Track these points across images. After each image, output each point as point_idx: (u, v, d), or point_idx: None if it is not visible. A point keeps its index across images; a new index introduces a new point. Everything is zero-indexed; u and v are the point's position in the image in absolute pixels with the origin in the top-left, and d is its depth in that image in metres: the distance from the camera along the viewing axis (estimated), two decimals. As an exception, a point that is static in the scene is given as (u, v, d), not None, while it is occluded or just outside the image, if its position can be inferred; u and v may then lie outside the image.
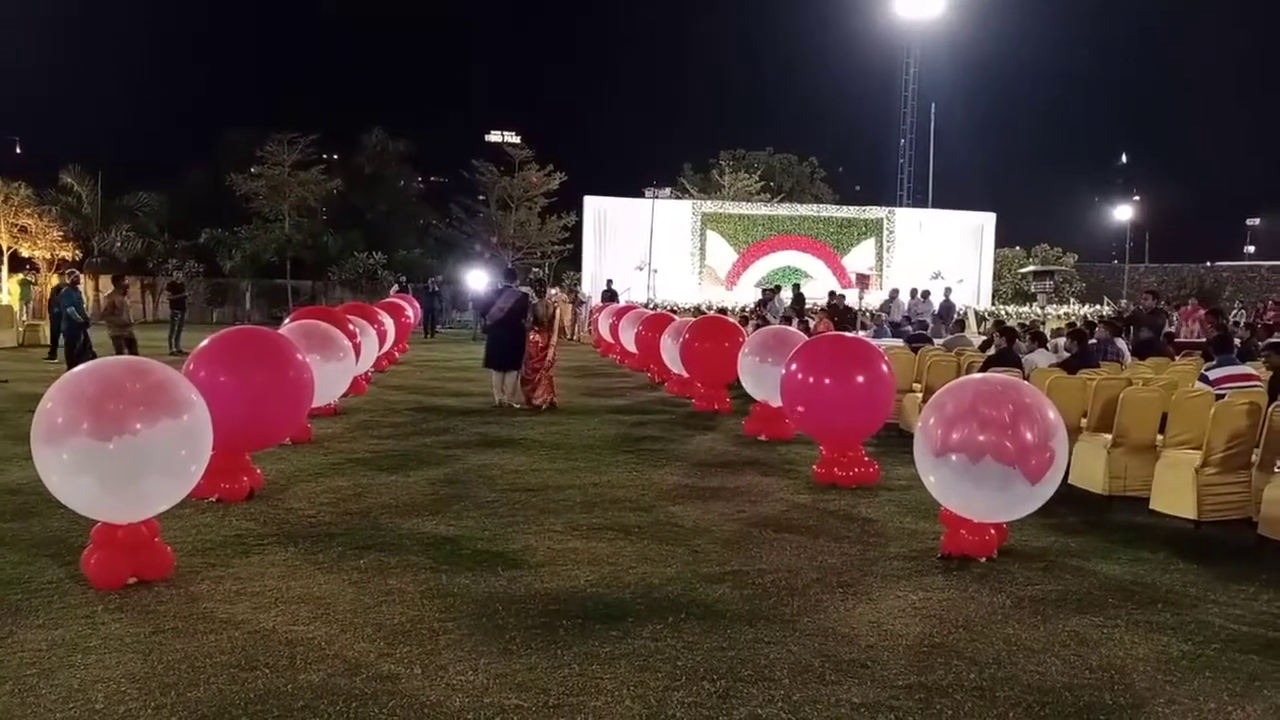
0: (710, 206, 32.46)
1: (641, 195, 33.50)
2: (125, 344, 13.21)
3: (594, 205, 31.01)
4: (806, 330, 15.79)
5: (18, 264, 29.51)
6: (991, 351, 10.14)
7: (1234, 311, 25.00)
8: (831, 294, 21.57)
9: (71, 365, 14.09)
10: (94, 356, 14.16)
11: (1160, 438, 7.31)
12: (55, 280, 17.92)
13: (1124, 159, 67.41)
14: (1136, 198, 50.69)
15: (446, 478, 7.69)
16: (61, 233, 29.98)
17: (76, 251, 30.59)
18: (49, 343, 16.79)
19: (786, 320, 16.04)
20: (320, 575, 5.14)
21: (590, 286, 29.04)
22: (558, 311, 12.67)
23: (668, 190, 40.00)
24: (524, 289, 12.08)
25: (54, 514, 6.02)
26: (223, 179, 33.96)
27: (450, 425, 10.42)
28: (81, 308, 14.61)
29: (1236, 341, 10.82)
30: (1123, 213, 47.24)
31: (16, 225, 28.80)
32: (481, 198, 38.62)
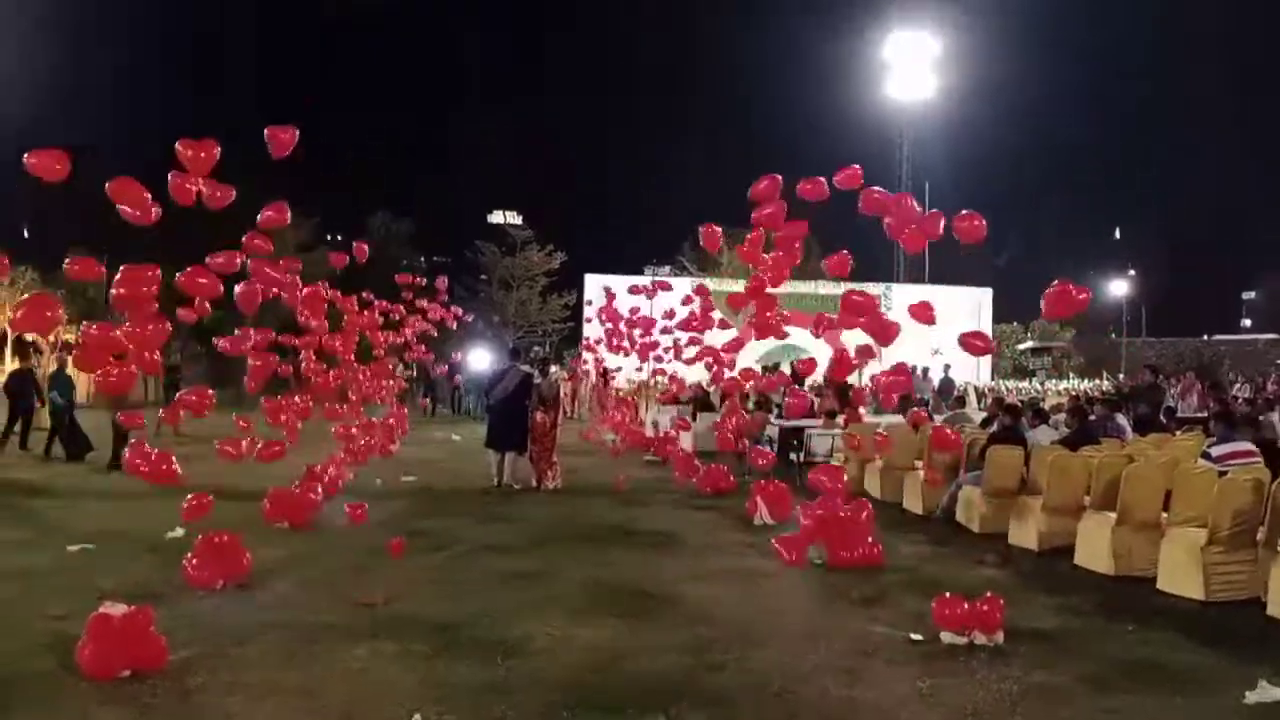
0: (709, 283, 32.70)
1: (641, 273, 33.88)
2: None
3: (595, 283, 31.27)
4: (810, 405, 15.80)
5: (20, 347, 29.62)
6: (994, 428, 10.12)
7: (1237, 385, 25.04)
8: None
9: (68, 449, 13.85)
10: (84, 442, 13.96)
11: (1165, 516, 7.26)
12: (55, 364, 17.53)
13: (1117, 234, 68.08)
14: (1131, 272, 51.10)
15: (445, 561, 7.62)
16: (66, 316, 30.21)
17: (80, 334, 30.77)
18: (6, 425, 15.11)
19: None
20: (316, 665, 5.06)
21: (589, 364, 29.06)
22: (561, 390, 12.72)
23: (667, 268, 40.49)
24: (526, 368, 12.12)
25: (47, 602, 5.96)
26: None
27: (450, 507, 10.35)
28: (68, 392, 14.35)
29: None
30: (1118, 287, 47.60)
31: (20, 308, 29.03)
32: (484, 277, 39.10)
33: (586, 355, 28.55)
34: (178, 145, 6.50)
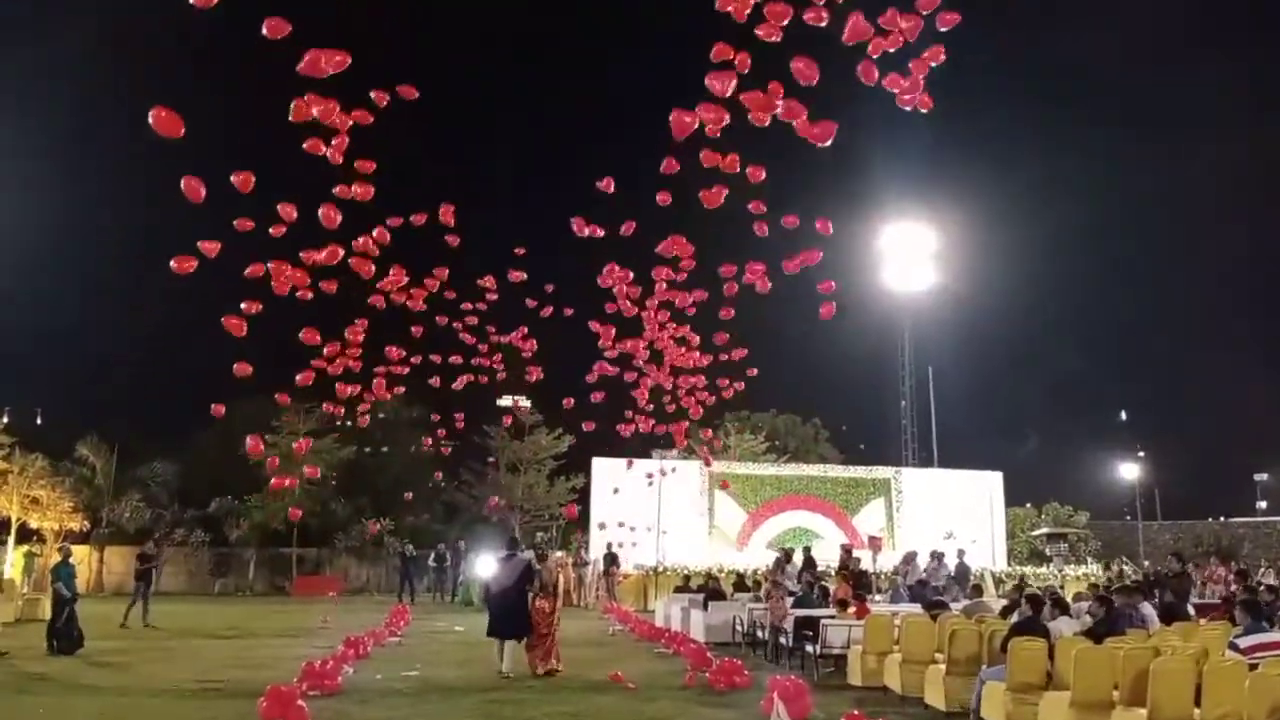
0: (718, 467, 32.60)
1: (649, 456, 33.86)
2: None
3: (602, 467, 31.16)
4: (825, 594, 15.45)
5: (26, 535, 29.41)
6: (1015, 618, 9.85)
7: (1261, 570, 24.50)
8: (845, 548, 21.22)
9: (51, 642, 13.45)
10: (78, 636, 13.63)
11: (1197, 711, 6.97)
12: (59, 554, 17.47)
13: (1123, 416, 68.32)
14: (1141, 453, 50.89)
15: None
16: (72, 504, 30.12)
17: (85, 522, 30.59)
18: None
19: (809, 586, 15.70)
20: None
21: (597, 550, 28.61)
22: (561, 577, 12.74)
23: (674, 451, 40.51)
24: (528, 555, 12.24)
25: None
26: (235, 448, 34.37)
27: (453, 705, 9.96)
28: (71, 583, 14.12)
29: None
30: (1129, 470, 47.25)
31: (29, 497, 28.98)
32: (491, 460, 39.15)
33: (594, 539, 28.26)
34: None
